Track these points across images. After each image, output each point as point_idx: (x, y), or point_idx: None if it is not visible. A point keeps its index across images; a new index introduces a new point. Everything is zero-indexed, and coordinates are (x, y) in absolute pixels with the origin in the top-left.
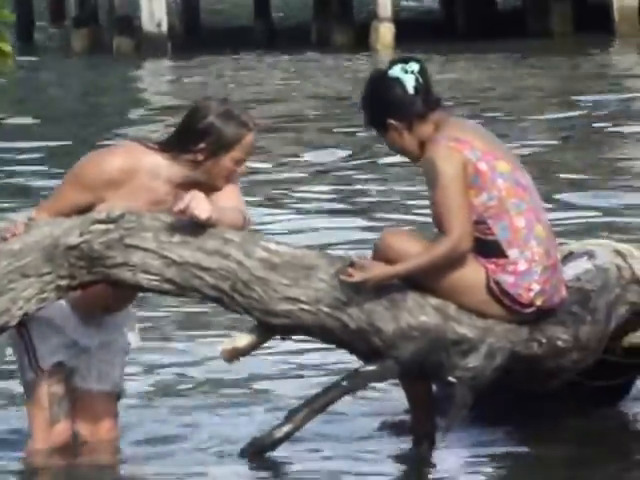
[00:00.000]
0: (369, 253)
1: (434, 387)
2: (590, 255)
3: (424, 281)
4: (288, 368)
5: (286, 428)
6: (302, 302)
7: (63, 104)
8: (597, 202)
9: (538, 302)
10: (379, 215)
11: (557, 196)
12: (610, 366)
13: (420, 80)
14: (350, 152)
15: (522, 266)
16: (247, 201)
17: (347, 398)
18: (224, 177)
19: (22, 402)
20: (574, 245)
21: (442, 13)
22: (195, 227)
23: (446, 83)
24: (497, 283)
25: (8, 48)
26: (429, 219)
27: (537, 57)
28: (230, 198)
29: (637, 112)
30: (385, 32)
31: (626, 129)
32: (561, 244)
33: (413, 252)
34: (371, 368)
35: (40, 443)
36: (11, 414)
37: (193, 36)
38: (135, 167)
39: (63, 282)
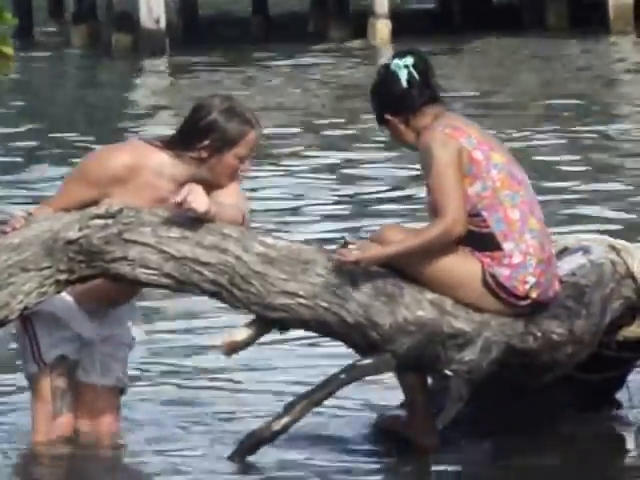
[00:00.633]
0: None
1: (430, 381)
2: (585, 250)
3: (421, 275)
4: (287, 360)
5: (284, 420)
6: (300, 296)
7: (61, 101)
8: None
9: (533, 294)
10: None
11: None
12: (603, 359)
13: (414, 74)
14: None
15: (517, 259)
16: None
17: (342, 392)
18: (228, 174)
19: (27, 395)
20: (569, 240)
21: (438, 9)
22: (193, 222)
23: (443, 78)
24: (493, 276)
25: (10, 51)
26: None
27: (532, 52)
28: (230, 195)
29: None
30: (382, 28)
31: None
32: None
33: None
34: (368, 361)
35: (42, 435)
36: (15, 406)
37: (191, 32)
38: (140, 164)
39: (62, 276)
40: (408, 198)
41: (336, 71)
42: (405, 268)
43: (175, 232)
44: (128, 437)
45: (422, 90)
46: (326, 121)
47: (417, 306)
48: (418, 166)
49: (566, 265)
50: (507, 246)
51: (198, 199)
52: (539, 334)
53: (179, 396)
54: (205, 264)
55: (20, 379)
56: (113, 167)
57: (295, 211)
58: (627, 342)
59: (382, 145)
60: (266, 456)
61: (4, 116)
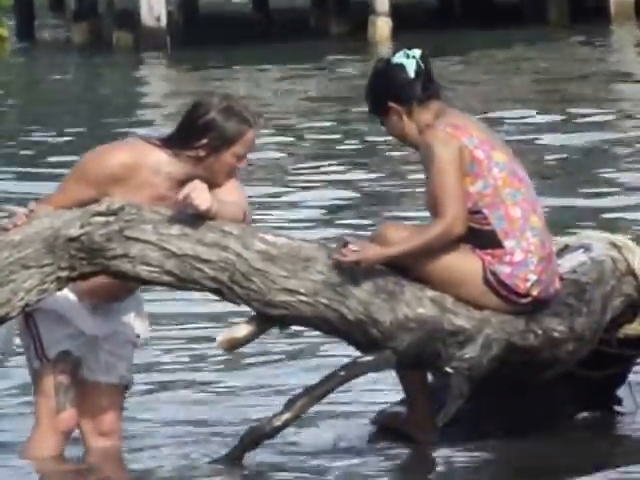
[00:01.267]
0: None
1: (431, 378)
2: (586, 248)
3: (421, 273)
4: (287, 356)
5: (285, 416)
6: (300, 293)
7: (62, 98)
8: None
9: (534, 292)
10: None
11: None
12: (604, 357)
13: (421, 65)
14: None
15: (518, 256)
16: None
17: (342, 389)
18: (225, 173)
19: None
20: (570, 238)
21: (438, 5)
22: (194, 220)
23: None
24: (494, 274)
25: (5, 32)
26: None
27: (533, 49)
28: (231, 193)
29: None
30: (382, 26)
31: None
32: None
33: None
34: (369, 358)
35: (45, 431)
36: (18, 401)
37: (192, 29)
38: (138, 163)
39: (63, 273)
40: (408, 197)
41: (337, 69)
42: (406, 266)
43: (176, 229)
44: (128, 437)
45: (428, 83)
46: (326, 121)
47: (418, 303)
48: (418, 166)
49: (567, 262)
50: (508, 244)
51: (201, 196)
52: (540, 331)
53: (179, 396)
54: (206, 261)
55: (19, 377)
56: (111, 166)
57: (295, 211)
58: (628, 339)
59: (382, 145)
60: (266, 456)
61: (4, 115)
